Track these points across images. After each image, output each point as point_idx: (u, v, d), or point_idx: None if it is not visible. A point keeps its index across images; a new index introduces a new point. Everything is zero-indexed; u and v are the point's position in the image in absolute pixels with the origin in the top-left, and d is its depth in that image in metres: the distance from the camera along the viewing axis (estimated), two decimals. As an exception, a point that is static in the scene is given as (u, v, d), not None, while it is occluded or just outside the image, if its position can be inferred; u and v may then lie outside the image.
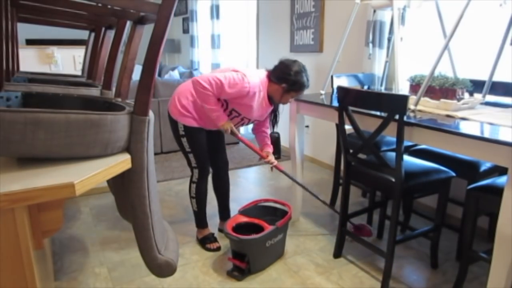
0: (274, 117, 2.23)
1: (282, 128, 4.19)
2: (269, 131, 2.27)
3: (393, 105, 1.63)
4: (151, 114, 0.91)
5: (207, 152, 2.18)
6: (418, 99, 1.84)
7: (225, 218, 2.37)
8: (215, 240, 2.27)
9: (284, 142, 4.12)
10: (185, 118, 2.04)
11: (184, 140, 2.10)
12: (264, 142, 2.23)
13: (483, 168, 1.98)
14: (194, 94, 1.99)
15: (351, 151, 1.97)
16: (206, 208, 2.31)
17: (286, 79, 1.98)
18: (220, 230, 2.41)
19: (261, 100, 2.03)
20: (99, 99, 1.12)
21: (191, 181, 2.21)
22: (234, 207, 2.74)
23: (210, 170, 2.27)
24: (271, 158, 2.17)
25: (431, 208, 2.65)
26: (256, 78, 1.99)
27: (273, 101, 2.09)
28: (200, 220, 2.30)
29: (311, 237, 2.36)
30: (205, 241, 2.25)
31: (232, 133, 2.01)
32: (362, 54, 3.01)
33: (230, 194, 2.45)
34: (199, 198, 2.23)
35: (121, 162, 0.85)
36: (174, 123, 2.10)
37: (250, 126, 2.35)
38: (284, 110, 4.02)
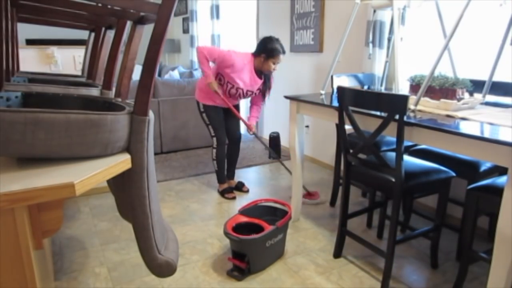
0: (264, 87, 2.81)
1: (282, 128, 4.20)
2: (262, 106, 2.94)
3: (393, 105, 1.63)
4: (151, 114, 0.91)
5: (223, 126, 2.84)
6: (418, 99, 1.84)
7: (231, 177, 3.10)
8: (231, 191, 2.97)
9: (284, 142, 4.12)
10: (203, 99, 2.78)
11: (204, 115, 2.81)
12: (252, 114, 2.91)
13: (483, 168, 1.98)
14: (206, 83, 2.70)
15: (351, 151, 1.97)
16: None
17: (263, 50, 2.61)
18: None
19: (249, 73, 2.66)
20: (99, 99, 1.12)
21: (212, 147, 2.88)
22: (235, 207, 2.76)
23: (226, 140, 2.93)
24: (253, 127, 2.88)
25: (431, 208, 2.65)
26: (240, 55, 2.63)
27: (261, 73, 2.70)
28: (220, 177, 2.98)
29: (311, 237, 2.36)
30: (224, 192, 2.95)
31: (216, 92, 2.67)
32: (362, 54, 3.00)
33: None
34: (218, 160, 2.90)
35: (121, 162, 0.85)
36: (197, 104, 2.84)
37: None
38: (284, 110, 4.00)
